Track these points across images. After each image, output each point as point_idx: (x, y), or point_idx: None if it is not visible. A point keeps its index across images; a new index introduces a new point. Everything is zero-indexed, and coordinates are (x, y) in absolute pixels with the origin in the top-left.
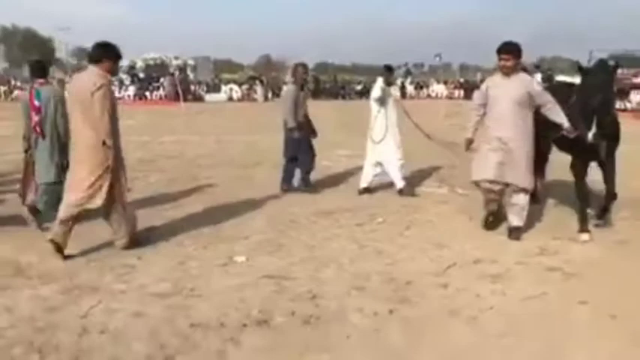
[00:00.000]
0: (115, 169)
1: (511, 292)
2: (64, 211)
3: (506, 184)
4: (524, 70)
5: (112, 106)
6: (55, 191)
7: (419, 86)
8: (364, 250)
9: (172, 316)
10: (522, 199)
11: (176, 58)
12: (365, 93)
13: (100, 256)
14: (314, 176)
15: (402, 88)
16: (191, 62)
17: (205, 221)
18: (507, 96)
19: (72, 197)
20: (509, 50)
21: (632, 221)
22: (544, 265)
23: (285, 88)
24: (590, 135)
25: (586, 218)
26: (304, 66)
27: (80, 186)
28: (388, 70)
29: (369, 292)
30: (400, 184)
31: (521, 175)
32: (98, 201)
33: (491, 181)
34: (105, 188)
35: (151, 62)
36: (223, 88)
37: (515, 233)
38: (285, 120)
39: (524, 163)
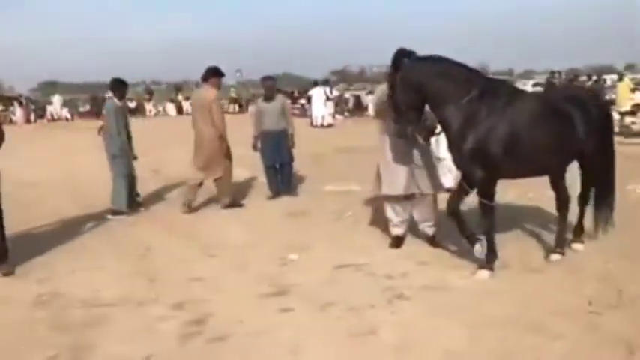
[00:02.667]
0: (227, 154)
1: None
2: (193, 179)
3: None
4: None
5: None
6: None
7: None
8: (376, 236)
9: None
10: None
11: None
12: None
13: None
14: None
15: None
16: None
17: (185, 239)
18: None
19: (199, 171)
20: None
21: None
22: None
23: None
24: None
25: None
26: (267, 79)
27: (206, 164)
28: None
29: (436, 265)
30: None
31: None
32: (218, 173)
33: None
34: (221, 165)
35: None
36: None
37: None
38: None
39: None
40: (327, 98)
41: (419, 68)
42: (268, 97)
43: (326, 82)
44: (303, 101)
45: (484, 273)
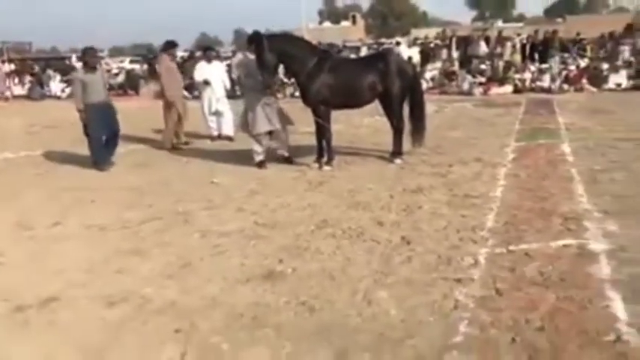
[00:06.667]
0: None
1: None
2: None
3: None
4: None
5: None
6: None
7: None
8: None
9: None
10: None
11: None
12: None
13: None
14: None
15: None
16: None
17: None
18: None
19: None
20: None
21: None
22: None
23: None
24: None
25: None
26: (91, 49)
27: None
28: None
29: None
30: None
31: None
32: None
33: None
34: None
35: None
36: None
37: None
38: None
39: None
40: None
41: (281, 39)
42: (92, 68)
43: None
44: None
45: (329, 167)
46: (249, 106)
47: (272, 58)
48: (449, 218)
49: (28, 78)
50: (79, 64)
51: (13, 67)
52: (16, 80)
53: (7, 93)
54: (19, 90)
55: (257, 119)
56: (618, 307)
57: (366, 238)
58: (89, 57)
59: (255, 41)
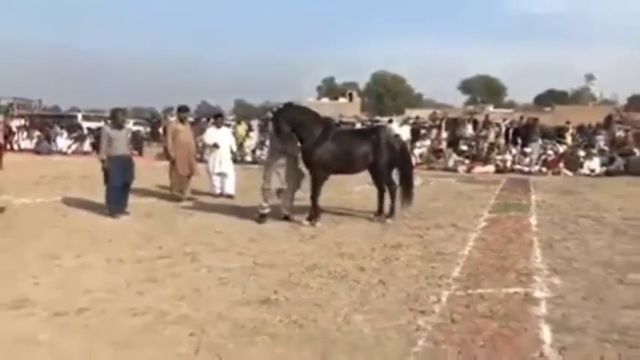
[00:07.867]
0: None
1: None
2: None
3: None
4: None
5: None
6: None
7: None
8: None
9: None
10: None
11: None
12: None
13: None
14: None
15: None
16: None
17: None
18: None
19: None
20: None
21: None
22: None
23: None
24: None
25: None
26: (118, 110)
27: None
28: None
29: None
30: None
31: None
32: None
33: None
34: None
35: None
36: None
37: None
38: None
39: None
40: None
41: (294, 110)
42: (119, 126)
43: None
44: None
45: (311, 223)
46: (268, 165)
47: (286, 127)
48: (420, 268)
49: (36, 133)
50: (85, 123)
51: (22, 122)
52: (25, 135)
53: None
54: (27, 144)
55: (268, 177)
56: (546, 334)
57: (349, 279)
58: (118, 116)
59: (272, 113)
